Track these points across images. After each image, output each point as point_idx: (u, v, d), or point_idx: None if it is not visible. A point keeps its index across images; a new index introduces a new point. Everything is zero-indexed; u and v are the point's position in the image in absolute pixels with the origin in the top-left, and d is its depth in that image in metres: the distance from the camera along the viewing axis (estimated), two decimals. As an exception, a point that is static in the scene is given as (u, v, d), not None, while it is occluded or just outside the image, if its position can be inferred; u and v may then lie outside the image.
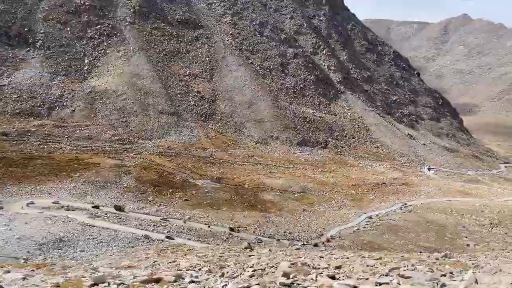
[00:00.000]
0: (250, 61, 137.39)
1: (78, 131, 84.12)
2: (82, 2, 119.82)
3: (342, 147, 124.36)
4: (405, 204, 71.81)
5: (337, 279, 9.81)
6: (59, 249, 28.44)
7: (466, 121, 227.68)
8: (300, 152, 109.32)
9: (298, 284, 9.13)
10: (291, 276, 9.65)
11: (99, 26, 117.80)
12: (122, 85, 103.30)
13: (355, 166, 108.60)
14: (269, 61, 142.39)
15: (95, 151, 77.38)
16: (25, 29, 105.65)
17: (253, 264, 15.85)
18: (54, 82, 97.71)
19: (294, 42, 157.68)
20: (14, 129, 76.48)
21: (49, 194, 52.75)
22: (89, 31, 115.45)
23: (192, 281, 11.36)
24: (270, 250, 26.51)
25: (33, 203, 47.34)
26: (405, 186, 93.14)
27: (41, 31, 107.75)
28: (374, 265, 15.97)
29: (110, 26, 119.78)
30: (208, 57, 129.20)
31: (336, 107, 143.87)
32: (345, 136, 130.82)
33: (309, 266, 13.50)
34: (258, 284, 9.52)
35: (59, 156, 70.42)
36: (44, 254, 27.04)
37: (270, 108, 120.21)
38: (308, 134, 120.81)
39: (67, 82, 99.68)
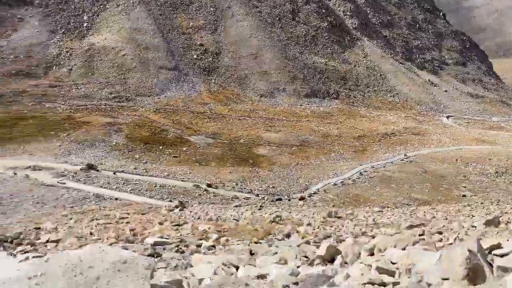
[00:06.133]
0: (258, 9, 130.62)
1: (74, 90, 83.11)
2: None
3: (355, 98, 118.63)
4: (405, 154, 67.70)
5: None
6: (-18, 212, 27.77)
7: (501, 64, 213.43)
8: (308, 104, 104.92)
9: None
10: None
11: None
12: (121, 41, 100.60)
13: (366, 116, 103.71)
14: (278, 9, 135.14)
15: (90, 109, 76.47)
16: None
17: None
18: (52, 41, 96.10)
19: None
20: (9, 90, 76.18)
21: (30, 154, 52.36)
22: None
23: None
24: (202, 208, 24.57)
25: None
26: (416, 136, 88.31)
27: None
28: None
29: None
30: (212, 7, 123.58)
31: (351, 56, 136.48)
32: (359, 86, 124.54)
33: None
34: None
35: (52, 116, 69.91)
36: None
37: (277, 59, 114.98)
38: (318, 85, 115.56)
39: (66, 40, 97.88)
